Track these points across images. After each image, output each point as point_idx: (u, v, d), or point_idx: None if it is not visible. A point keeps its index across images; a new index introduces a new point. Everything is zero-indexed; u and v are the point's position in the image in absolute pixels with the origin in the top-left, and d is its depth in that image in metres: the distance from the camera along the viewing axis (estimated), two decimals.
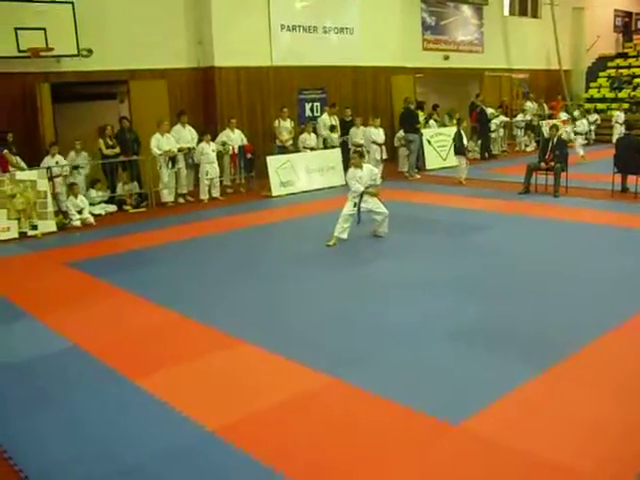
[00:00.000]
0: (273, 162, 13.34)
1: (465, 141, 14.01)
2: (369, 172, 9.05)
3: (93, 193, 12.07)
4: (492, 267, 7.60)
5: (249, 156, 13.81)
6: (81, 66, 12.60)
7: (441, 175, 15.23)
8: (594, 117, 21.74)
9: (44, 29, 11.65)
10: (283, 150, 14.32)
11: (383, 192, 9.38)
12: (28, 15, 11.60)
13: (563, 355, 5.01)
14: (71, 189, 11.29)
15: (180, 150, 12.64)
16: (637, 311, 5.92)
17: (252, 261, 8.44)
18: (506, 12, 23.00)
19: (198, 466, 3.75)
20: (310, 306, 6.56)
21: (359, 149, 11.01)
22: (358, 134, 14.78)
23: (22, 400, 4.68)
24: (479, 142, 18.36)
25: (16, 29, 11.41)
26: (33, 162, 11.17)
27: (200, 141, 12.88)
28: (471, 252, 8.39)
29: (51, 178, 11.01)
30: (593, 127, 21.57)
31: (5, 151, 10.79)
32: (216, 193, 13.16)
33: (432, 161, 16.34)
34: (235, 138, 13.69)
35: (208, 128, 13.73)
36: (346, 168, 10.99)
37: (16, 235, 10.19)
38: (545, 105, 21.23)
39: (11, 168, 10.69)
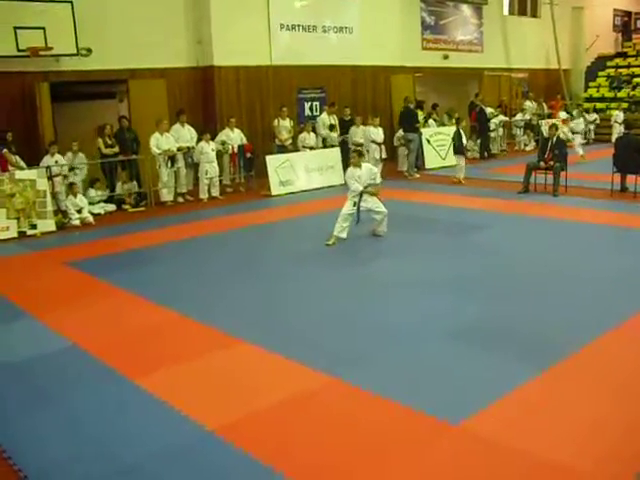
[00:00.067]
0: (272, 161, 13.33)
1: (464, 140, 14.01)
2: (368, 171, 9.05)
3: (92, 192, 12.06)
4: (491, 267, 7.60)
5: (248, 155, 13.81)
6: (80, 65, 12.59)
7: (440, 174, 15.23)
8: (593, 116, 21.76)
9: (43, 28, 11.64)
10: (282, 149, 14.32)
11: (382, 191, 9.38)
12: (27, 14, 11.59)
13: (563, 355, 5.01)
14: (70, 188, 11.28)
15: (179, 149, 12.64)
16: (636, 311, 5.93)
17: (251, 260, 8.43)
18: (505, 11, 23.03)
19: (197, 465, 3.75)
20: (309, 305, 6.56)
21: (359, 148, 11.00)
22: (358, 133, 14.78)
23: (21, 399, 4.68)
24: (478, 141, 18.36)
25: (15, 28, 11.41)
26: (32, 161, 11.16)
27: (199, 140, 12.88)
28: (470, 251, 8.39)
29: (50, 177, 11.00)
30: (592, 127, 21.60)
31: (4, 150, 10.77)
32: (215, 192, 13.15)
33: (431, 160, 16.34)
34: (234, 137, 13.69)
35: (207, 127, 13.73)
36: (345, 167, 10.98)
37: (15, 234, 10.18)
38: (544, 104, 21.23)
39: (10, 167, 10.67)
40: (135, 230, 10.47)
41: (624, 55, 26.10)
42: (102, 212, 11.90)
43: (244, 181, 14.09)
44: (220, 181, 13.41)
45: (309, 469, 3.69)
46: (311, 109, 16.43)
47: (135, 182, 12.53)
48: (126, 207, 12.27)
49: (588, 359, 5.02)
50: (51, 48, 11.77)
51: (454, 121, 15.88)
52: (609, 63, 25.75)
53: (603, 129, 21.27)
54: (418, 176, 15.15)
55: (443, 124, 17.42)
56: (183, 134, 12.81)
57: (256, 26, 15.00)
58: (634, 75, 24.12)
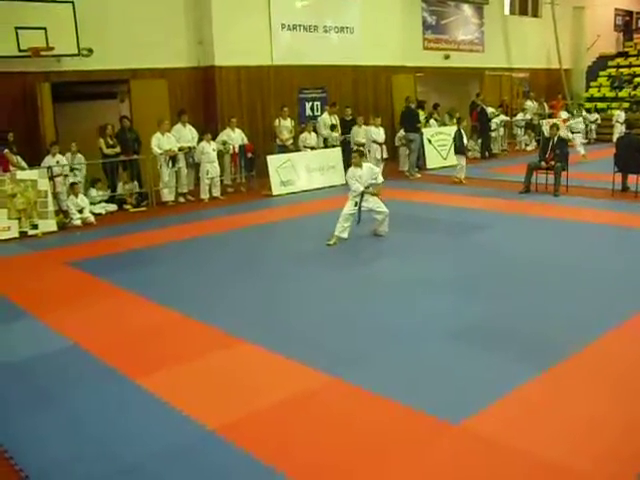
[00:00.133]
0: (273, 161, 13.34)
1: (465, 140, 14.01)
2: (369, 171, 9.05)
3: (93, 192, 12.07)
4: (492, 266, 7.60)
5: (249, 155, 13.81)
6: (82, 65, 12.60)
7: (441, 174, 15.22)
8: (594, 116, 21.76)
9: (44, 28, 11.65)
10: (283, 149, 14.32)
11: (384, 191, 9.38)
12: (28, 14, 11.60)
13: (563, 355, 5.01)
14: (72, 188, 11.29)
15: (180, 149, 12.65)
16: (637, 310, 5.92)
17: (252, 260, 8.44)
18: (506, 11, 23.01)
19: (198, 465, 3.76)
20: (310, 305, 6.56)
21: (360, 148, 11.01)
22: (360, 133, 14.79)
23: (22, 399, 4.68)
24: (479, 141, 18.36)
25: (16, 28, 11.41)
26: (34, 161, 11.17)
27: (200, 140, 12.88)
28: (471, 251, 8.39)
29: (52, 177, 11.01)
30: (593, 126, 21.60)
31: (6, 150, 10.79)
32: (217, 192, 13.16)
33: (432, 160, 16.34)
34: (235, 137, 13.69)
35: (208, 127, 13.73)
36: (346, 167, 10.98)
37: (16, 234, 10.19)
38: (545, 104, 21.22)
39: (12, 167, 10.68)
40: (136, 230, 10.48)
41: (625, 55, 26.07)
42: (103, 212, 11.91)
43: (245, 181, 14.10)
44: (221, 181, 13.42)
45: (310, 469, 3.69)
46: (312, 109, 16.42)
47: (136, 182, 12.54)
48: (127, 207, 12.28)
49: (589, 359, 5.02)
50: (52, 48, 11.78)
51: (455, 121, 15.89)
52: (610, 63, 25.72)
53: (604, 129, 21.26)
54: (419, 176, 15.15)
55: (444, 124, 17.40)
56: (184, 134, 12.82)
57: (257, 26, 15.01)
58: (635, 75, 24.10)
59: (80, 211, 11.17)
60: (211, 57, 14.45)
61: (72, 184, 11.38)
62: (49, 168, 11.03)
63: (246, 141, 13.82)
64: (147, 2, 13.64)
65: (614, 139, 15.56)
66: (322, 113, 15.76)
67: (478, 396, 4.40)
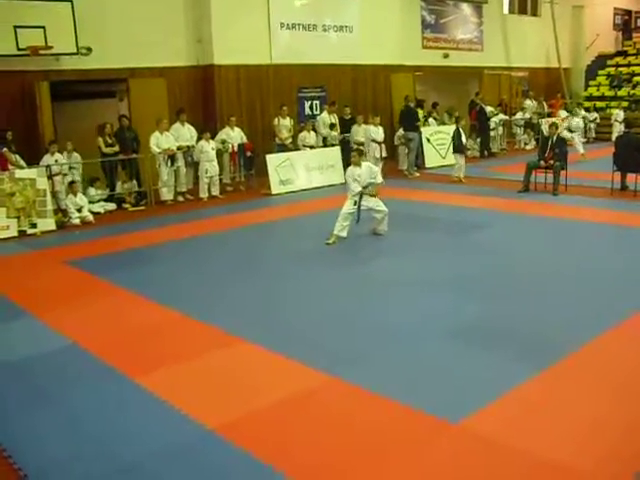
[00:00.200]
0: (273, 160, 13.33)
1: (464, 139, 14.01)
2: (368, 170, 9.04)
3: (92, 191, 12.06)
4: (491, 266, 7.60)
5: (249, 154, 13.80)
6: (80, 64, 12.59)
7: (440, 173, 15.23)
8: (593, 115, 21.77)
9: (43, 27, 11.63)
10: (283, 148, 14.32)
11: (383, 190, 9.38)
12: (27, 13, 11.58)
13: (562, 354, 5.01)
14: (70, 187, 11.28)
15: (179, 148, 12.64)
16: (636, 309, 5.92)
17: (252, 259, 8.44)
18: (506, 10, 23.01)
19: (197, 464, 3.75)
20: (309, 304, 6.56)
21: (360, 147, 11.00)
22: (360, 132, 14.79)
23: (21, 398, 4.68)
24: (478, 140, 18.36)
25: (15, 27, 11.40)
26: (32, 160, 11.16)
27: (199, 139, 12.88)
28: (470, 250, 8.39)
29: (50, 176, 11.00)
30: (593, 125, 21.61)
31: (4, 149, 10.77)
32: (216, 191, 13.15)
33: (431, 159, 16.34)
34: (235, 136, 13.68)
35: (207, 126, 13.73)
36: (346, 166, 10.98)
37: (15, 233, 10.19)
38: (544, 103, 21.23)
39: (10, 166, 10.67)
40: (135, 229, 10.47)
41: (624, 54, 26.07)
42: (102, 211, 11.91)
43: (244, 180, 14.09)
44: (220, 180, 13.41)
45: (309, 468, 3.69)
46: (311, 108, 16.42)
47: (135, 181, 12.53)
48: (126, 206, 12.27)
49: (588, 358, 5.02)
50: (51, 47, 11.77)
51: (454, 120, 15.89)
52: (609, 62, 25.73)
53: (603, 128, 21.29)
54: (418, 175, 15.16)
55: (443, 123, 17.42)
56: (183, 133, 12.81)
57: (256, 25, 15.00)
58: (634, 74, 24.10)
59: (79, 210, 11.17)
60: (210, 56, 14.44)
61: (71, 183, 11.38)
62: (48, 167, 11.03)
63: (245, 140, 13.81)
64: (146, 1, 13.64)
65: (613, 138, 15.59)
66: (321, 112, 15.76)
67: (477, 395, 4.40)
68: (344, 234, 8.88)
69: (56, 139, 11.78)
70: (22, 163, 10.92)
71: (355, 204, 8.92)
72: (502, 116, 19.51)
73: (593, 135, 21.54)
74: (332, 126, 15.07)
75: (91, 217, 11.25)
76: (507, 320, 5.86)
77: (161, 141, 12.32)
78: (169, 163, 12.48)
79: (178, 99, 13.93)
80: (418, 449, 3.85)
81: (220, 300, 6.71)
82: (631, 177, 11.80)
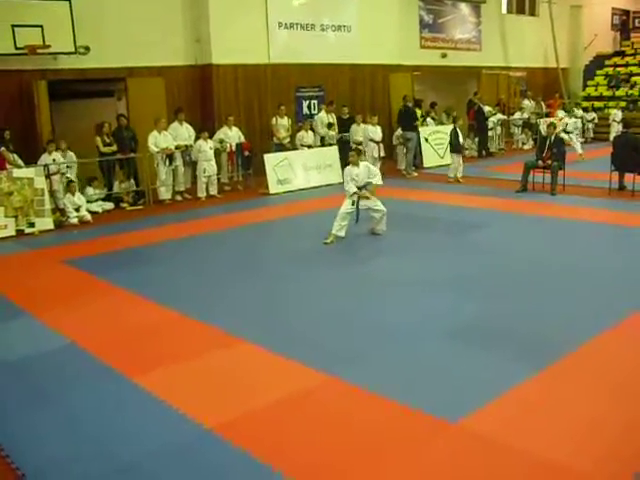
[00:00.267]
0: (270, 160, 13.33)
1: (461, 139, 14.01)
2: (366, 170, 9.03)
3: (90, 191, 12.05)
4: (489, 265, 7.60)
5: (246, 154, 13.78)
6: (78, 63, 12.57)
7: (438, 173, 15.23)
8: (591, 115, 21.79)
9: (41, 26, 11.60)
10: (280, 148, 14.31)
11: (381, 190, 9.37)
12: (25, 12, 11.56)
13: (561, 354, 5.01)
14: (68, 187, 11.26)
15: (177, 148, 12.64)
16: (634, 309, 5.93)
17: (250, 259, 8.43)
18: (504, 10, 23.04)
19: (196, 464, 3.75)
20: (308, 304, 6.56)
21: (359, 147, 10.99)
22: (359, 132, 14.80)
23: (19, 398, 4.67)
24: (476, 140, 18.38)
25: (13, 26, 11.37)
26: (30, 159, 11.14)
27: (197, 139, 12.88)
28: (469, 250, 8.40)
29: (48, 176, 10.98)
30: (591, 125, 21.63)
31: (2, 148, 10.76)
32: (214, 191, 13.15)
33: (429, 159, 16.34)
34: (232, 136, 13.68)
35: (205, 125, 13.73)
36: (344, 166, 10.97)
37: (13, 233, 10.17)
38: (543, 103, 21.24)
39: (8, 166, 10.65)
40: (133, 228, 10.46)
41: (622, 54, 26.10)
42: (100, 210, 11.89)
43: (242, 179, 14.08)
44: (218, 179, 13.40)
45: (307, 467, 3.69)
46: (309, 107, 16.43)
47: (133, 180, 12.51)
48: (124, 205, 12.26)
49: (586, 358, 5.03)
50: (49, 46, 11.74)
51: (452, 120, 15.89)
52: (607, 62, 25.76)
53: (601, 128, 21.32)
54: (416, 175, 15.16)
55: (441, 123, 17.41)
56: (181, 132, 12.81)
57: (254, 24, 15.00)
58: (632, 74, 24.13)
59: (77, 209, 11.15)
60: (208, 55, 14.43)
61: (69, 182, 11.36)
62: (46, 166, 11.00)
63: (243, 139, 13.81)
64: (144, 0, 13.62)
65: (611, 138, 15.60)
66: (319, 111, 15.76)
67: (475, 395, 4.40)
68: (342, 234, 8.88)
69: (54, 138, 11.75)
70: (20, 162, 10.91)
71: (353, 204, 8.93)
72: (500, 116, 19.52)
73: (591, 135, 21.57)
74: (330, 126, 15.08)
75: (89, 216, 11.23)
76: (506, 320, 5.87)
77: (159, 140, 12.31)
78: (167, 162, 12.47)
79: (176, 98, 13.93)
80: (416, 449, 3.85)
81: (218, 300, 6.71)
82: (629, 177, 11.81)
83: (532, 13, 24.21)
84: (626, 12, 28.94)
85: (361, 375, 4.76)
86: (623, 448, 3.81)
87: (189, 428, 4.13)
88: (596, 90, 24.67)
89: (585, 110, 21.85)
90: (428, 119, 17.12)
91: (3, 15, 11.31)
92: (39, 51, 11.71)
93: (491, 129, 18.88)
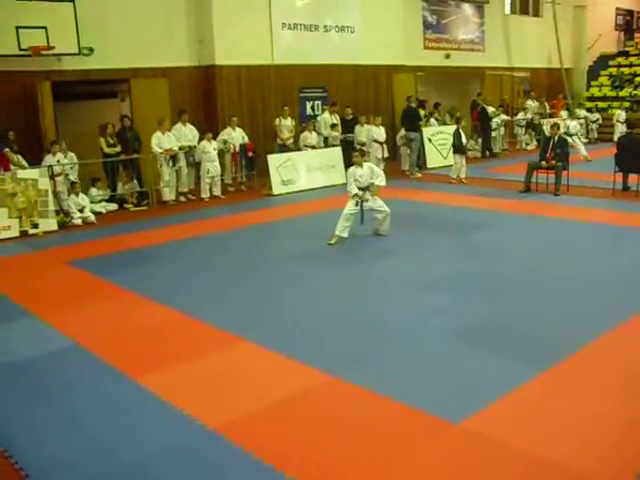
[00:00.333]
0: (274, 160, 13.34)
1: (464, 139, 14.00)
2: (369, 171, 9.03)
3: (94, 191, 12.08)
4: (493, 266, 7.60)
5: (250, 154, 13.81)
6: (82, 64, 12.62)
7: (442, 174, 15.20)
8: (595, 116, 21.75)
9: (45, 27, 11.66)
10: (284, 148, 14.33)
11: (385, 190, 9.37)
12: (29, 13, 11.61)
13: (563, 354, 5.00)
14: (72, 187, 11.30)
15: (181, 148, 12.66)
16: (637, 310, 5.92)
17: (253, 260, 8.44)
18: (507, 11, 23.01)
19: (198, 464, 3.76)
20: (311, 304, 6.56)
21: (363, 148, 11.00)
22: (363, 132, 14.81)
23: (23, 399, 4.69)
24: (480, 140, 18.36)
25: (17, 27, 11.43)
26: (34, 160, 11.18)
27: (201, 139, 12.89)
28: (472, 251, 8.39)
29: (52, 176, 11.01)
30: (595, 126, 21.60)
31: (6, 149, 10.79)
32: (217, 191, 13.17)
33: (433, 159, 16.34)
34: (236, 136, 13.69)
35: (209, 126, 13.74)
36: (347, 166, 10.98)
37: (17, 234, 10.20)
38: (546, 104, 21.22)
39: (12, 166, 10.69)
40: (137, 229, 10.48)
41: (626, 54, 26.07)
42: (104, 211, 11.92)
43: (246, 180, 14.10)
44: (222, 180, 13.42)
45: (310, 468, 3.69)
46: (313, 108, 16.43)
47: (136, 181, 12.53)
48: (128, 206, 12.28)
49: (589, 358, 5.02)
50: (53, 47, 11.79)
51: (455, 120, 15.89)
52: (611, 62, 25.73)
53: (605, 128, 21.27)
54: (420, 175, 15.15)
55: (445, 123, 17.41)
56: (185, 133, 12.83)
57: (258, 25, 15.01)
58: (636, 74, 24.10)
59: (81, 210, 11.18)
60: (212, 56, 14.45)
61: (72, 183, 11.39)
62: (50, 167, 11.03)
63: (247, 140, 13.82)
64: (148, 1, 13.66)
65: (615, 138, 15.56)
66: (323, 112, 15.76)
67: (478, 395, 4.39)
68: (345, 234, 8.88)
69: (58, 139, 11.78)
70: (24, 163, 10.94)
71: (357, 205, 8.93)
72: (504, 116, 19.49)
73: (595, 136, 21.54)
74: (333, 126, 15.08)
75: (93, 217, 11.26)
76: (509, 320, 5.86)
77: (163, 141, 12.33)
78: (171, 163, 12.50)
79: (180, 99, 13.94)
80: (419, 449, 3.85)
81: (222, 300, 6.72)
82: (633, 178, 11.79)
83: (535, 13, 24.19)
84: (630, 12, 28.91)
85: (363, 375, 4.76)
86: (625, 448, 3.81)
87: (191, 428, 4.13)
88: (600, 90, 24.64)
89: (589, 110, 21.82)
90: (431, 120, 17.12)
91: (7, 16, 11.37)
92: (43, 52, 11.75)
93: (494, 130, 18.86)
